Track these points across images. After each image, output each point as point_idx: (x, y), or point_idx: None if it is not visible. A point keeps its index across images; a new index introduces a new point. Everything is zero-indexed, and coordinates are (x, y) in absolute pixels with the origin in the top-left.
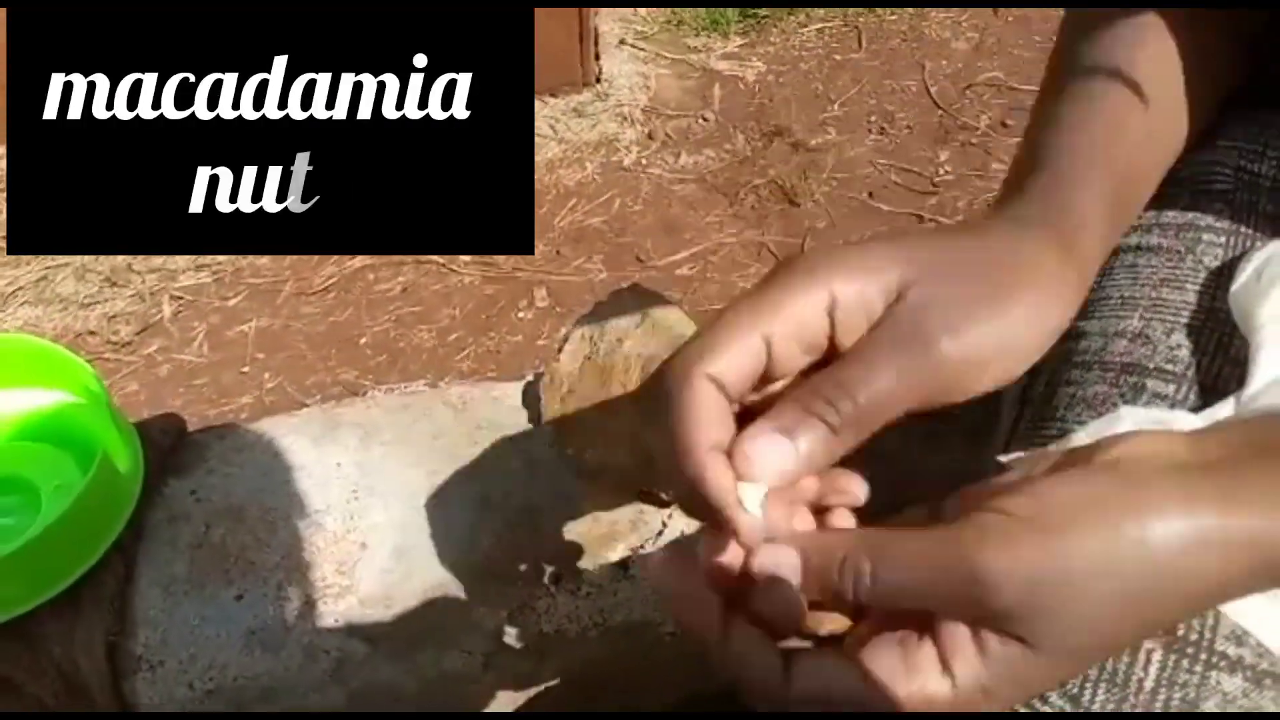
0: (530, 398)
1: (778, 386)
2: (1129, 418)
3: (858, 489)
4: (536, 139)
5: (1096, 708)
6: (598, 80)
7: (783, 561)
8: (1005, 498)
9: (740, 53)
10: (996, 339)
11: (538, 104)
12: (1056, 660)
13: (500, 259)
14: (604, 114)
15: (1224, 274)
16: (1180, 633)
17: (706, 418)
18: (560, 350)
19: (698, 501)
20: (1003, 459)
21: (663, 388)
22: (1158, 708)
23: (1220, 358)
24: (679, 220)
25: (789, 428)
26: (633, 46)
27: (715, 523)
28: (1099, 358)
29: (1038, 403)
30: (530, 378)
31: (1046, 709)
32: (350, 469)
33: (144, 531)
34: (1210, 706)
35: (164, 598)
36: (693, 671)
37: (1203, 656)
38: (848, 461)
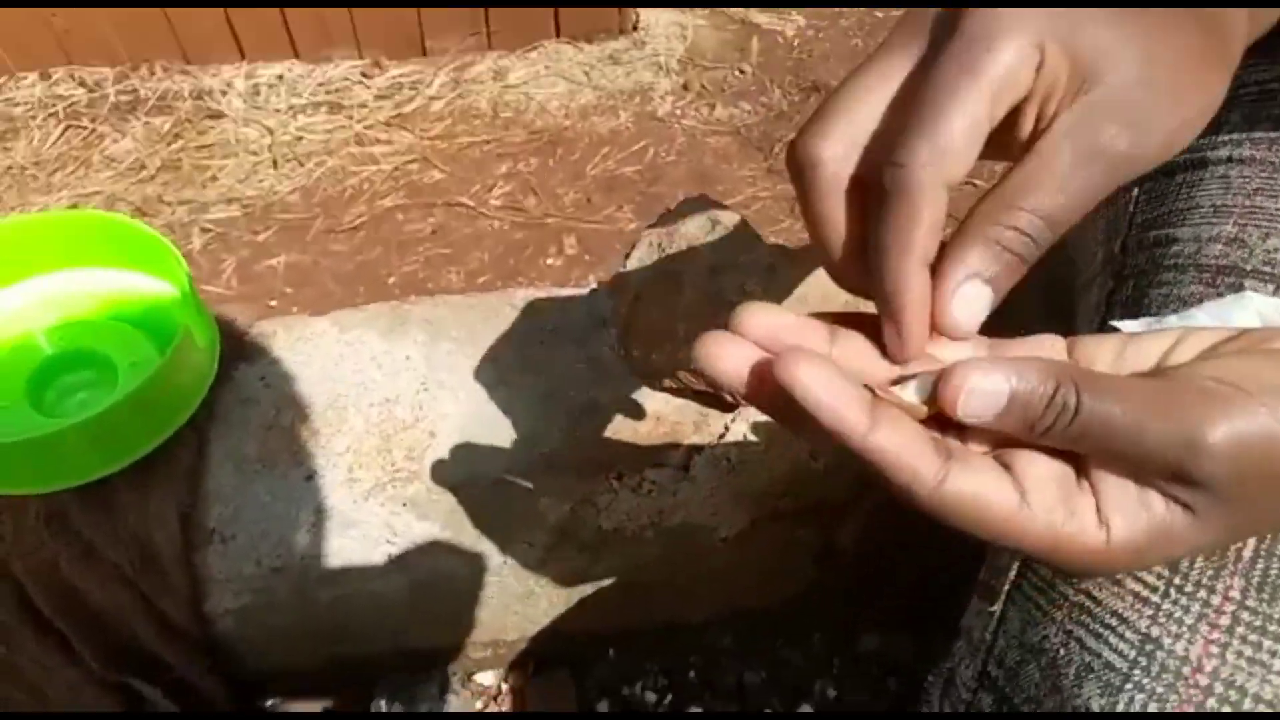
0: (597, 303)
1: None
2: (1254, 301)
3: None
4: (570, 85)
5: (1194, 574)
6: (635, 28)
7: (989, 387)
8: (1216, 365)
9: (780, 7)
10: (1186, 135)
11: (572, 50)
12: (1213, 533)
13: (530, 205)
14: (640, 63)
15: None
16: None
17: (927, 237)
18: (629, 255)
19: (885, 301)
20: (1121, 325)
21: (896, 184)
22: (1255, 577)
23: None
24: (712, 172)
25: (987, 269)
26: None
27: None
28: (1193, 260)
29: (1126, 306)
30: (595, 286)
31: (1144, 575)
32: (419, 362)
33: (216, 412)
34: None
35: (236, 474)
36: (739, 583)
37: None
38: None
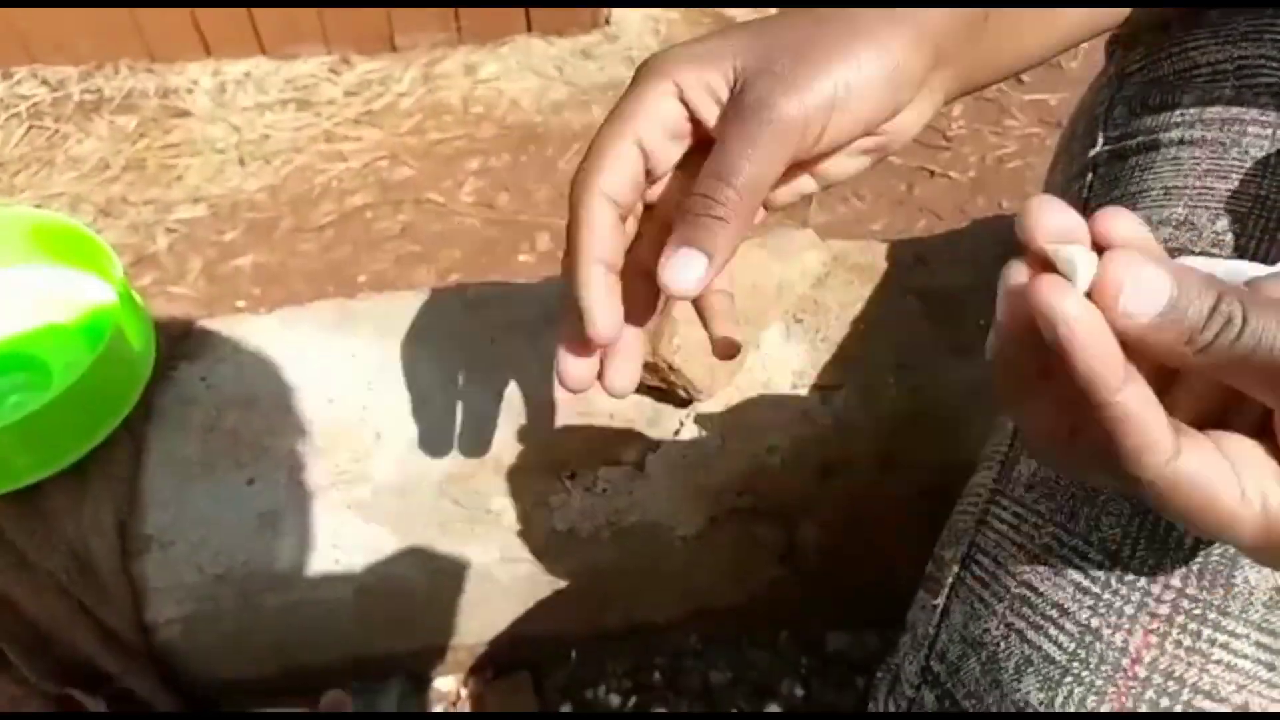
0: (549, 297)
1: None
2: None
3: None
4: (542, 80)
5: (1135, 564)
6: (606, 23)
7: (1154, 282)
8: None
9: (757, 6)
10: (831, 89)
11: (543, 44)
12: None
13: (502, 201)
14: (612, 57)
15: (1270, 164)
16: None
17: (596, 242)
18: None
19: (570, 305)
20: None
21: (570, 208)
22: (1195, 564)
23: (1267, 242)
24: None
25: (690, 238)
26: None
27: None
28: None
29: None
30: (546, 280)
31: (1085, 565)
32: (365, 359)
33: (154, 414)
34: None
35: (174, 479)
36: (700, 583)
37: None
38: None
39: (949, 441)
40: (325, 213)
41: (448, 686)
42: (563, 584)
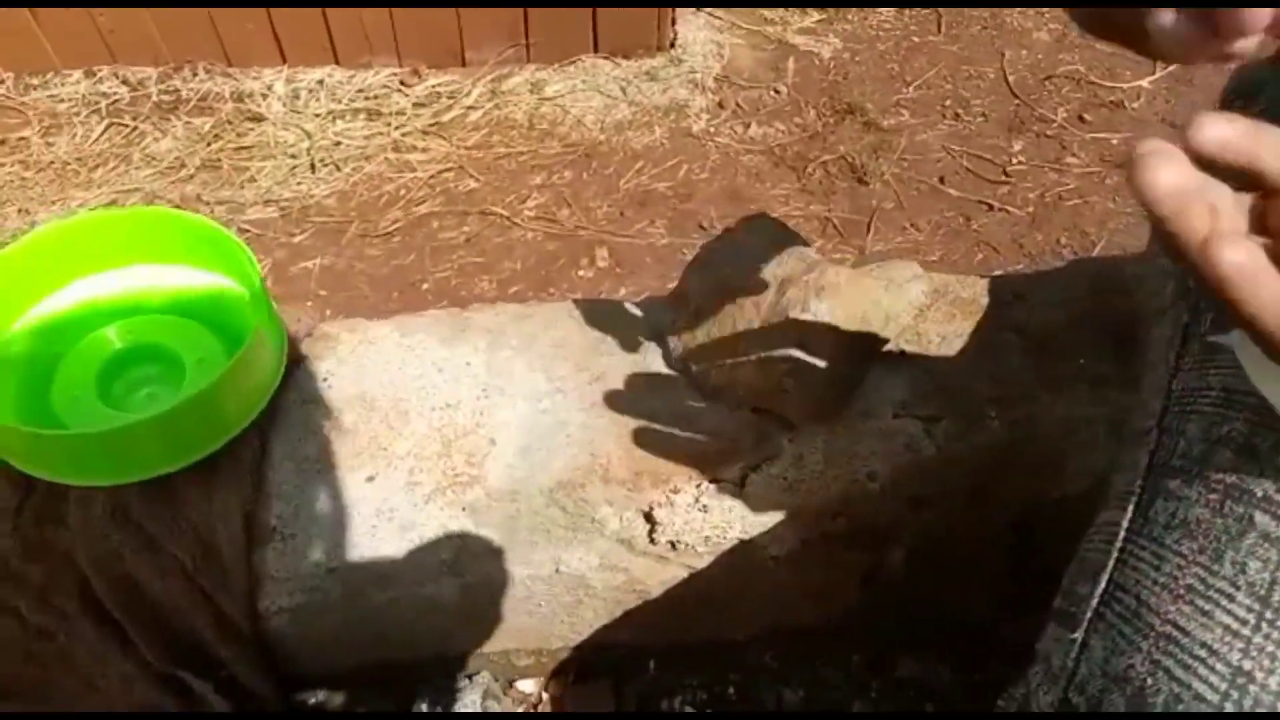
0: (654, 315)
1: None
2: None
3: None
4: (606, 99)
5: None
6: (672, 45)
7: None
8: None
9: (817, 28)
10: None
11: (609, 65)
12: None
13: (563, 216)
14: (676, 79)
15: None
16: None
17: None
18: (689, 268)
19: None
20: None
21: None
22: None
23: None
24: (744, 190)
25: None
26: (709, 14)
27: None
28: None
29: (1203, 339)
30: (649, 298)
31: (1234, 607)
32: (479, 368)
33: (279, 411)
34: None
35: (297, 474)
36: (784, 602)
37: None
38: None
39: (1040, 479)
40: (392, 220)
41: (530, 689)
42: (654, 595)
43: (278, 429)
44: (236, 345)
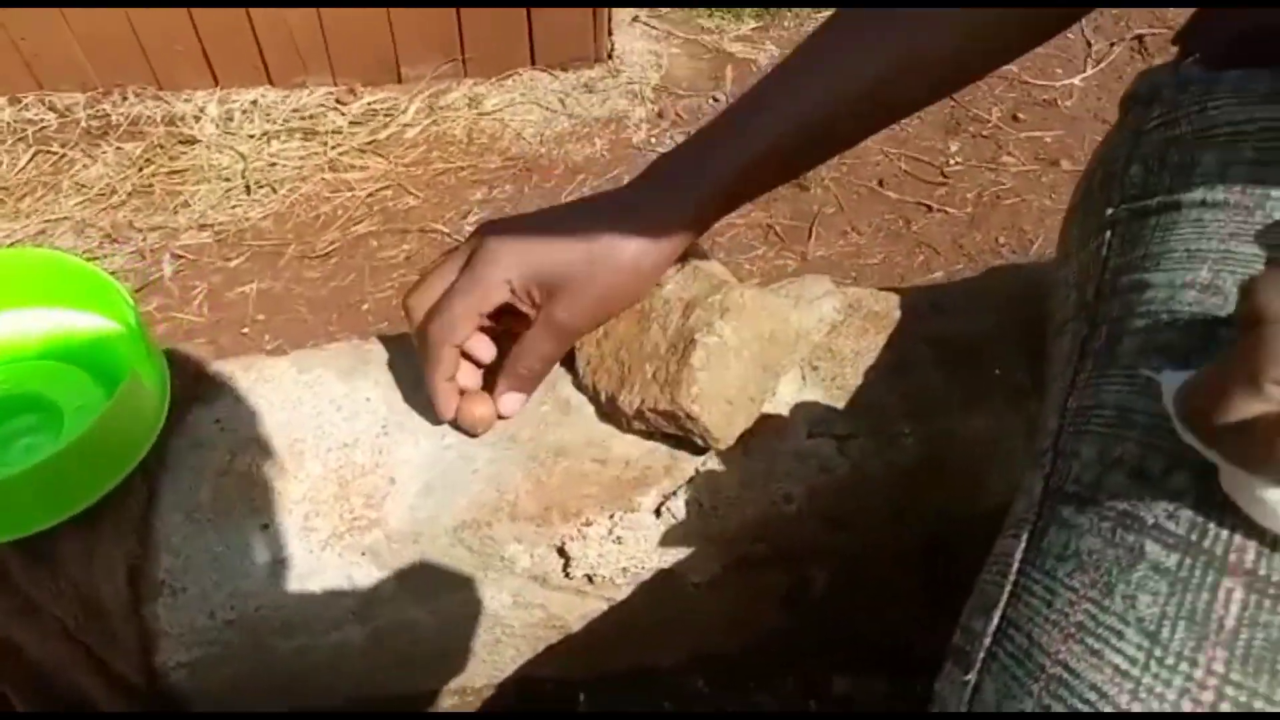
0: None
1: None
2: None
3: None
4: (545, 112)
5: (1175, 645)
6: (609, 56)
7: None
8: None
9: (754, 35)
10: (589, 301)
11: (547, 77)
12: None
13: None
14: (615, 90)
15: None
16: (1262, 572)
17: (447, 370)
18: None
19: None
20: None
21: (426, 347)
22: (1239, 649)
23: None
24: None
25: (514, 385)
26: (645, 24)
27: None
28: (1166, 307)
29: (1099, 354)
30: None
31: (1123, 645)
32: (379, 404)
33: (167, 458)
34: None
35: (187, 524)
36: (707, 627)
37: None
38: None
39: (959, 493)
40: (330, 241)
41: None
42: (575, 629)
43: (167, 476)
44: (116, 388)
